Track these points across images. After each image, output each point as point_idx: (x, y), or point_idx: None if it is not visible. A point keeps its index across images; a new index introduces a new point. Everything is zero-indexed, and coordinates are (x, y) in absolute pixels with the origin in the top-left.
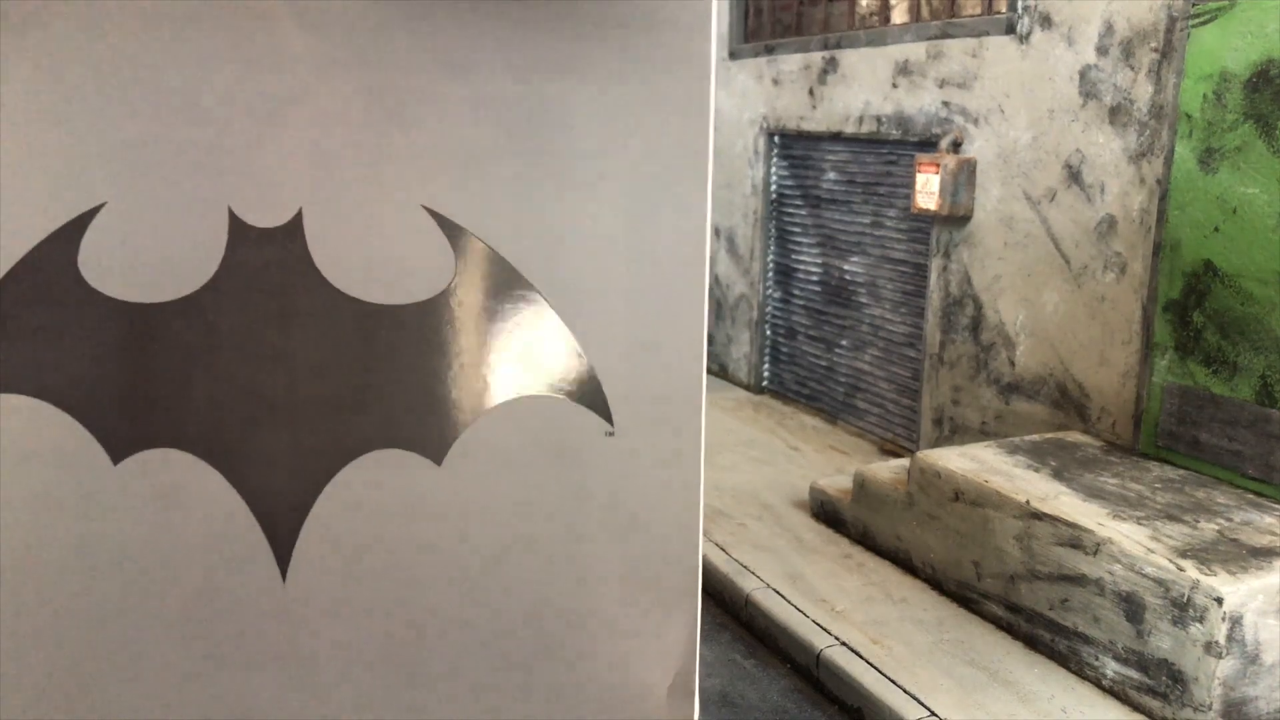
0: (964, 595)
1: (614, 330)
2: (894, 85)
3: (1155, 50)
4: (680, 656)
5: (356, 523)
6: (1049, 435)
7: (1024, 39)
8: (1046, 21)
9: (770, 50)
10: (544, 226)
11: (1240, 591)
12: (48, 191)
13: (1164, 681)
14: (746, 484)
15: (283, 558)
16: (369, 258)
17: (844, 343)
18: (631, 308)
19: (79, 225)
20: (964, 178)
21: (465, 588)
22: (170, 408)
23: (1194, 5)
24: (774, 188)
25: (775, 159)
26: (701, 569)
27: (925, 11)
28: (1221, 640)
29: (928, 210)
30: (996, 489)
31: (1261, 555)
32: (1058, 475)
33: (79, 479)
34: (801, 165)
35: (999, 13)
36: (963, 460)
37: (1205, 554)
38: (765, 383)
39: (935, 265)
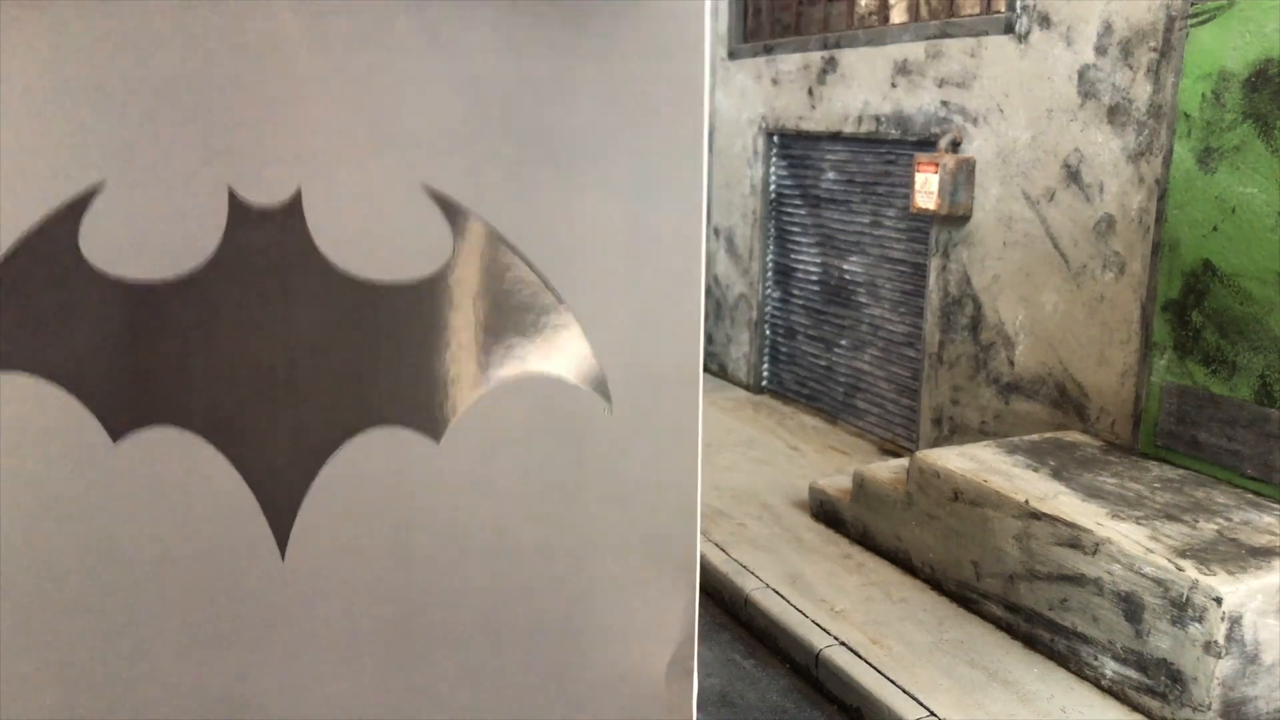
0: (963, 595)
1: (612, 309)
2: (893, 85)
3: (1154, 50)
4: (678, 634)
5: (355, 501)
6: (1048, 435)
7: (1023, 38)
8: (1045, 21)
9: (769, 50)
10: (541, 205)
11: (1239, 591)
12: (49, 171)
13: (1163, 681)
14: (746, 484)
15: (281, 536)
16: (368, 236)
17: (843, 342)
18: (629, 287)
19: (80, 204)
20: (963, 177)
21: (464, 565)
22: (170, 386)
23: (1193, 5)
24: (773, 187)
25: (774, 159)
26: (700, 562)
27: (924, 11)
28: (1220, 640)
29: (927, 210)
30: (996, 489)
31: (1261, 555)
32: (1057, 475)
33: (78, 457)
34: (800, 165)
35: (998, 12)
36: (962, 460)
37: (1204, 554)
38: (765, 383)
39: (934, 265)
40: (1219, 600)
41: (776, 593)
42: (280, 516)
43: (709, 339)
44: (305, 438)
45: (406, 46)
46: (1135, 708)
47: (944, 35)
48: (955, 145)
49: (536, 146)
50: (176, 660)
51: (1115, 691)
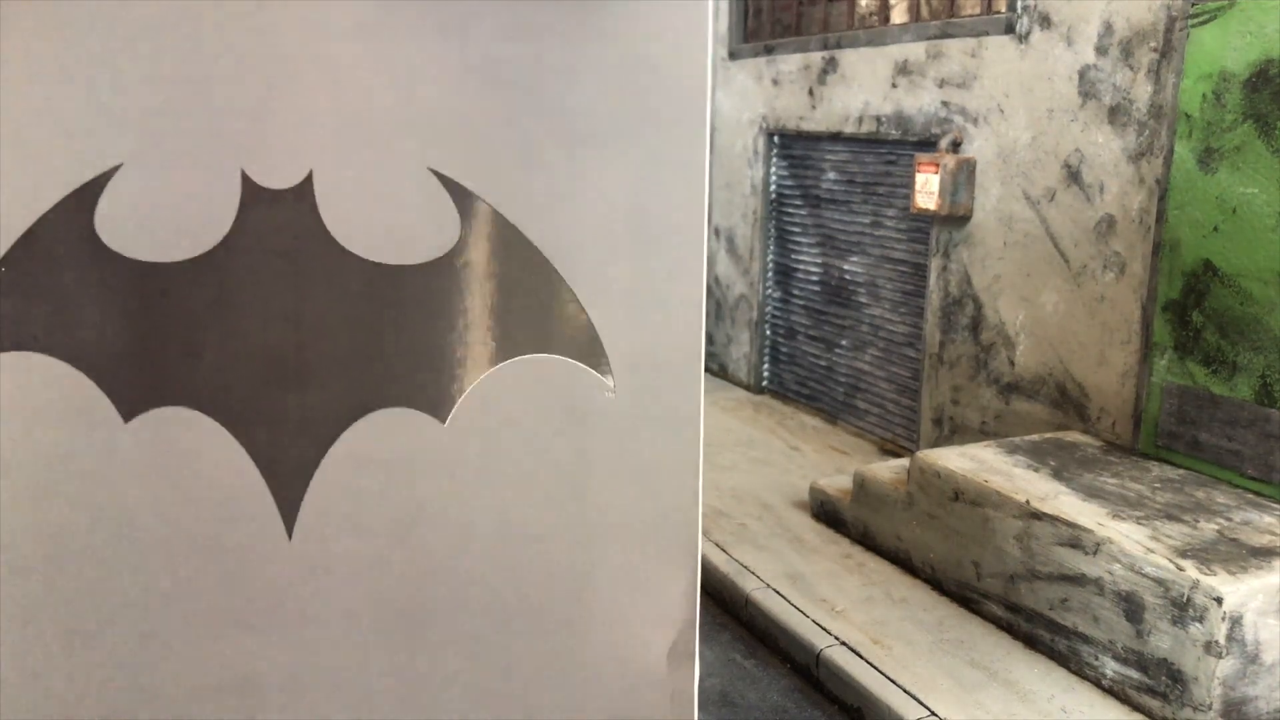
0: (964, 595)
1: (615, 291)
2: (893, 85)
3: (1154, 50)
4: (680, 618)
5: (361, 481)
6: (1048, 435)
7: (1023, 39)
8: (1046, 21)
9: (770, 50)
10: (547, 189)
11: (1240, 591)
12: (65, 153)
13: (1164, 681)
14: (746, 484)
15: (289, 516)
16: (377, 219)
17: (844, 343)
18: (632, 269)
19: (96, 186)
20: (963, 177)
21: (468, 546)
22: (181, 366)
23: (1193, 5)
24: (773, 188)
25: (775, 159)
26: (701, 562)
27: (925, 11)
28: (1221, 640)
29: (927, 210)
30: (996, 489)
31: (1261, 555)
32: (1057, 475)
33: (90, 436)
34: (801, 165)
35: (998, 12)
36: (962, 460)
37: (1205, 554)
38: (765, 383)
39: (935, 265)
40: (1219, 600)
41: (777, 592)
42: (288, 497)
43: (709, 339)
44: (313, 419)
45: (416, 31)
46: (1136, 708)
47: (944, 35)
48: (956, 145)
49: (543, 130)
50: (184, 637)
51: (1116, 691)
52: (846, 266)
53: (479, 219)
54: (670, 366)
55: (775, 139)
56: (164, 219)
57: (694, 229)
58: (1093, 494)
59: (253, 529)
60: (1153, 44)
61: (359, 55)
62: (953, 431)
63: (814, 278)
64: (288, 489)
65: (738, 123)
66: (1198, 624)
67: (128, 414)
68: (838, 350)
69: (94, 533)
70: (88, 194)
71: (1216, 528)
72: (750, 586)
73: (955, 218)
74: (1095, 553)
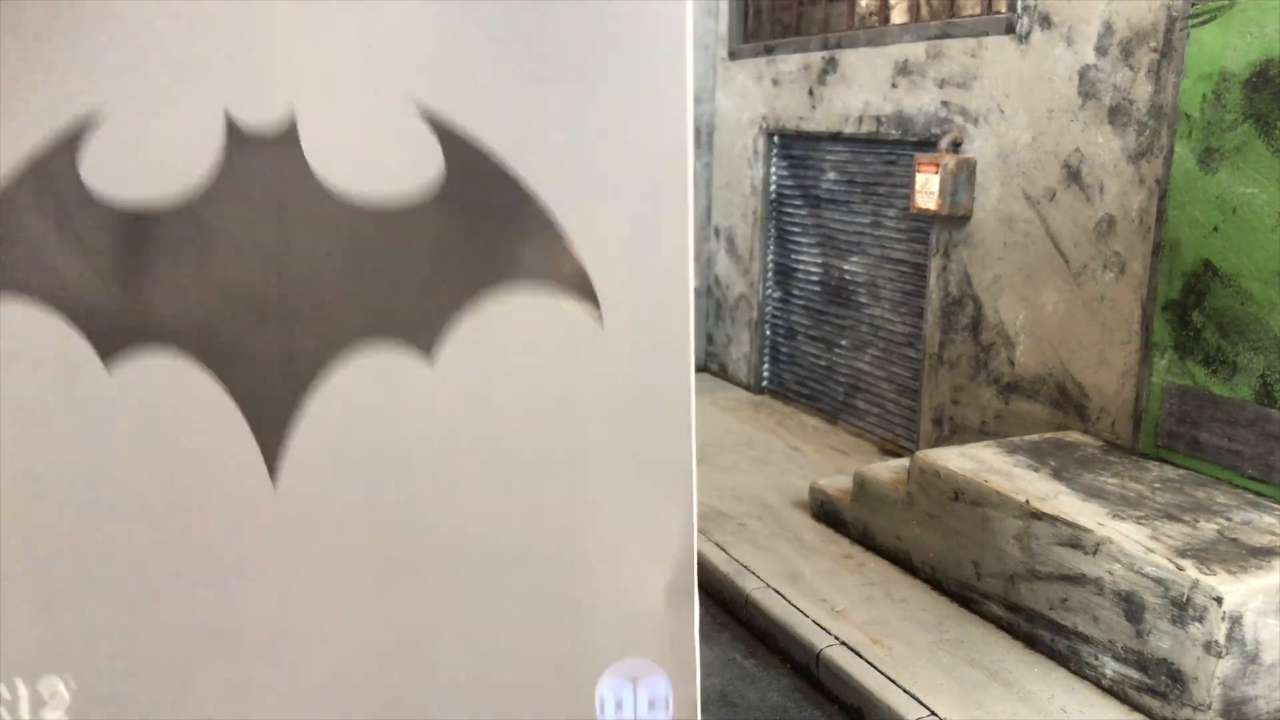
0: (964, 595)
1: (602, 224)
2: (893, 85)
3: (1154, 50)
4: (677, 555)
5: (346, 424)
6: (1048, 435)
7: (1023, 39)
8: (1046, 21)
9: (770, 50)
10: (532, 123)
11: (1240, 591)
12: (49, 97)
13: (1163, 681)
14: (746, 484)
15: (272, 460)
16: (361, 157)
17: (844, 343)
18: (618, 201)
19: (79, 130)
20: (963, 177)
21: (456, 487)
22: (163, 309)
23: (1193, 5)
24: (773, 188)
25: (775, 159)
26: (700, 561)
27: (925, 11)
28: (1221, 640)
29: (927, 210)
30: (996, 489)
31: (1261, 555)
32: (1057, 475)
33: (72, 381)
34: (801, 165)
35: (998, 13)
36: (962, 460)
37: (1205, 553)
38: (765, 383)
39: (935, 265)
40: (1219, 600)
41: (777, 592)
42: (271, 440)
43: (709, 339)
44: (296, 359)
45: None
46: (1136, 707)
47: (944, 36)
48: (956, 145)
49: (526, 64)
50: (165, 583)
51: (1116, 691)
52: (846, 266)
53: (463, 155)
54: (659, 298)
55: (775, 139)
56: (147, 162)
57: (678, 159)
58: (1093, 494)
59: (236, 475)
60: (1153, 44)
61: None
62: (953, 431)
63: (814, 278)
64: (271, 432)
65: (738, 123)
66: (1197, 624)
67: (109, 358)
68: (838, 350)
69: (75, 477)
70: (70, 138)
71: (1216, 528)
72: (750, 586)
73: (955, 218)
74: (1095, 552)
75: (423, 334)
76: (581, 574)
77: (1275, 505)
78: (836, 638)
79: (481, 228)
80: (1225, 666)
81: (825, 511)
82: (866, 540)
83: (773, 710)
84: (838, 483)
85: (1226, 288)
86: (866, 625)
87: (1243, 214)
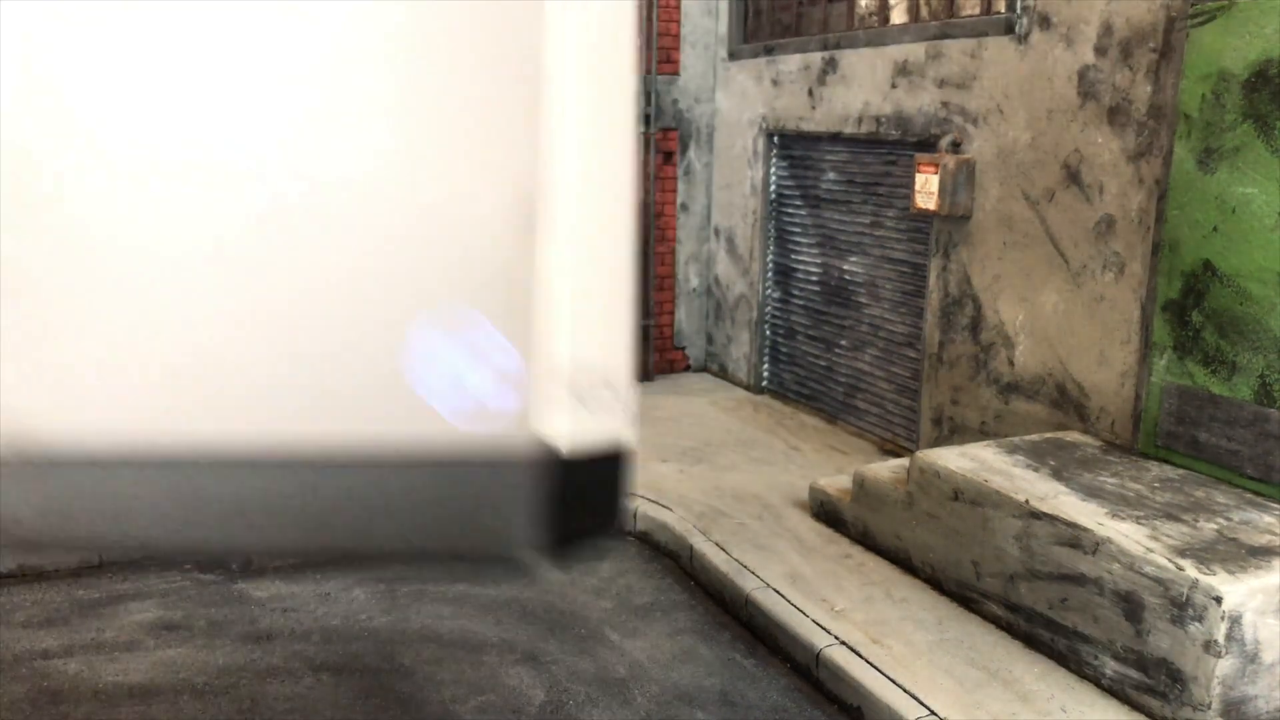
0: (963, 594)
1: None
2: (893, 85)
3: (1154, 50)
4: (520, 173)
5: None
6: (1048, 435)
7: (1023, 39)
8: (1045, 22)
9: (769, 51)
10: None
11: (1239, 591)
12: None
13: (1163, 680)
14: (746, 484)
15: None
16: None
17: (843, 343)
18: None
19: None
20: (963, 178)
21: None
22: None
23: (1193, 5)
24: (773, 188)
25: (775, 159)
26: (700, 561)
27: (924, 12)
28: (1220, 639)
29: (927, 210)
30: (996, 488)
31: (1260, 554)
32: (1057, 475)
33: None
34: (801, 165)
35: (998, 13)
36: (962, 460)
37: (1204, 553)
38: (765, 383)
39: (934, 265)
40: (1219, 599)
41: (777, 592)
42: None
43: (709, 339)
44: None
45: None
46: (1135, 707)
47: (944, 36)
48: (955, 146)
49: None
50: None
51: (1115, 691)
52: (846, 267)
53: None
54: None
55: (775, 139)
56: None
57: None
58: (1092, 494)
59: None
60: (1152, 44)
61: None
62: (952, 431)
63: (814, 278)
64: None
65: (737, 123)
66: (1197, 623)
67: None
68: (837, 350)
69: None
70: None
71: (1216, 527)
72: (750, 586)
73: (955, 218)
74: (1094, 552)
75: None
76: (420, 206)
77: (1274, 505)
78: (836, 637)
79: None
80: (1225, 666)
81: (825, 511)
82: (866, 540)
83: (772, 709)
84: (837, 482)
85: (1226, 288)
86: (866, 625)
87: (1242, 214)
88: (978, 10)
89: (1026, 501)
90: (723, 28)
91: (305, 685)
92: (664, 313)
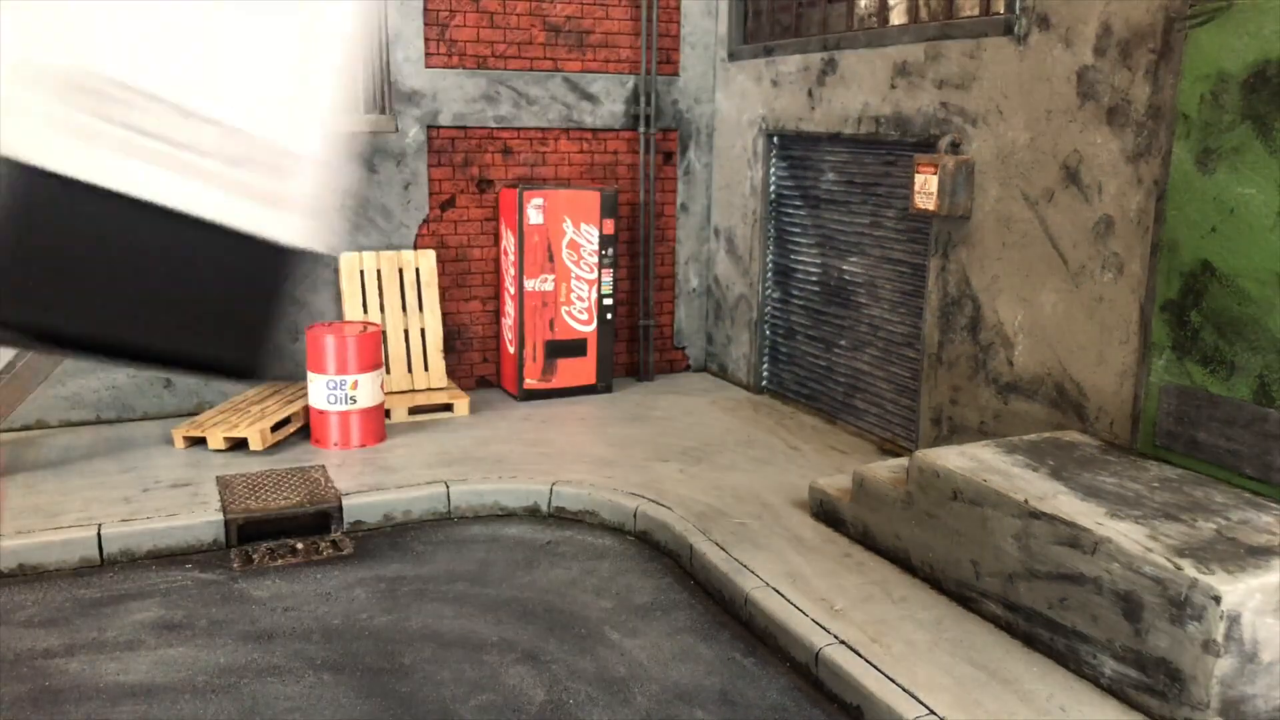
0: (963, 594)
1: None
2: (892, 86)
3: (1153, 51)
4: None
5: None
6: (1047, 435)
7: (1022, 40)
8: (1044, 23)
9: (769, 51)
10: None
11: (1238, 590)
12: None
13: (1162, 680)
14: (746, 483)
15: None
16: None
17: (843, 343)
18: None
19: None
20: (962, 178)
21: None
22: None
23: (1191, 6)
24: (773, 188)
25: (774, 160)
26: (700, 560)
27: (923, 13)
28: (1219, 639)
29: (926, 210)
30: (995, 488)
31: (1259, 554)
32: (1056, 474)
33: None
34: (800, 166)
35: (997, 14)
36: (961, 459)
37: (1203, 553)
38: (764, 383)
39: (934, 265)
40: (1217, 599)
41: (777, 591)
42: None
43: (709, 339)
44: None
45: None
46: (1134, 706)
47: (943, 37)
48: (954, 146)
49: None
50: None
51: (1114, 690)
52: (846, 267)
53: None
54: None
55: (775, 140)
56: None
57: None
58: (1091, 493)
59: None
60: (1151, 45)
61: None
62: (951, 431)
63: (813, 278)
64: None
65: (737, 124)
66: (1196, 623)
67: None
68: (837, 350)
69: None
70: None
71: (1215, 527)
72: (750, 585)
73: (954, 218)
74: (1094, 552)
75: None
76: None
77: (1273, 504)
78: (836, 636)
79: None
80: (1223, 665)
81: (825, 511)
82: (866, 539)
83: (772, 709)
84: (837, 482)
85: (1224, 288)
86: (866, 624)
87: (1241, 214)
88: (977, 11)
89: (1025, 501)
90: (722, 28)
91: (306, 684)
92: (664, 313)
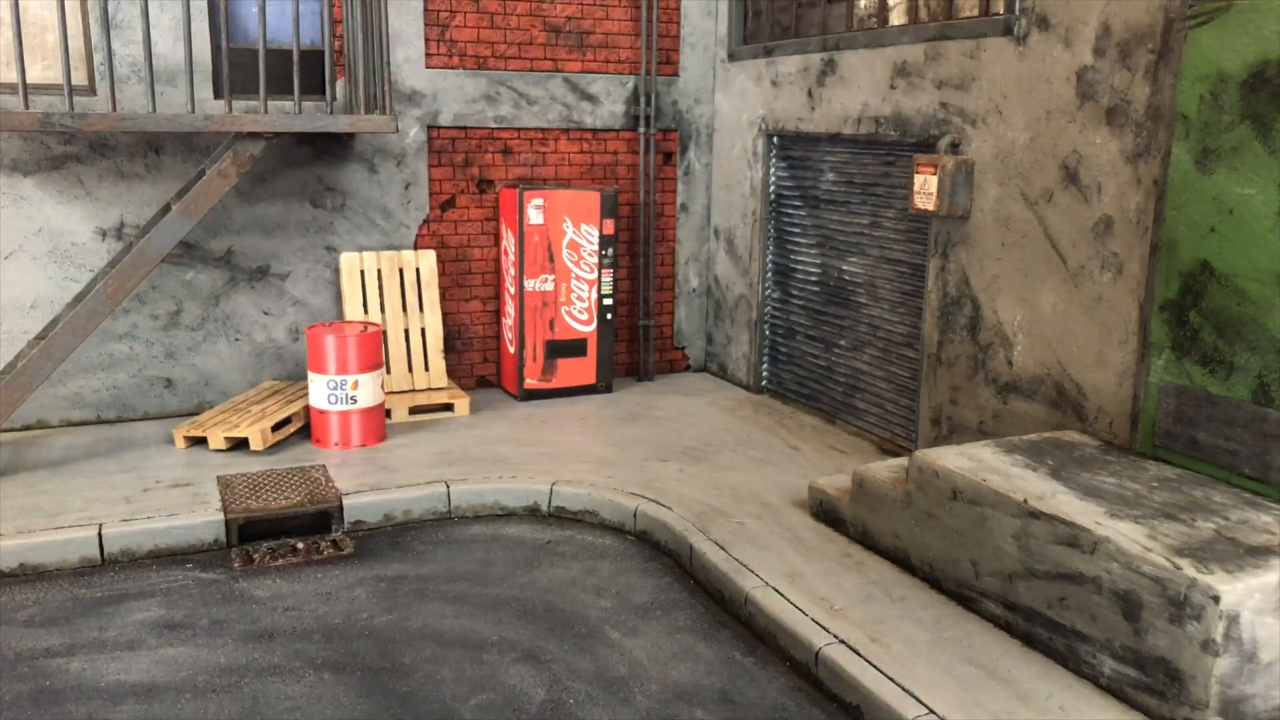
0: (962, 594)
1: None
2: (892, 86)
3: (1152, 51)
4: None
5: None
6: (1046, 435)
7: (1021, 40)
8: (1044, 23)
9: (769, 52)
10: None
11: (1237, 590)
12: None
13: (1161, 680)
14: (746, 483)
15: None
16: None
17: (842, 343)
18: None
19: None
20: (961, 178)
21: None
22: None
23: (1191, 7)
24: (773, 188)
25: (774, 160)
26: (700, 560)
27: (923, 13)
28: (1218, 638)
29: (926, 211)
30: (994, 488)
31: (1258, 554)
32: (1055, 474)
33: None
34: (800, 166)
35: (996, 14)
36: (961, 459)
37: (1202, 552)
38: (764, 382)
39: (933, 265)
40: (1217, 599)
41: (776, 591)
42: None
43: (709, 339)
44: None
45: None
46: (1133, 706)
47: (943, 37)
48: (954, 146)
49: None
50: None
51: (1113, 690)
52: (845, 267)
53: None
54: None
55: (774, 140)
56: None
57: None
58: (1090, 493)
59: None
60: (1150, 45)
61: None
62: (951, 431)
63: (813, 278)
64: None
65: (737, 124)
66: (1195, 622)
67: None
68: (837, 350)
69: None
70: None
71: (1214, 527)
72: (749, 585)
73: (953, 218)
74: (1093, 552)
75: None
76: None
77: (1272, 504)
78: (835, 636)
79: None
80: (1223, 665)
81: (824, 510)
82: (865, 539)
83: (772, 708)
84: (837, 482)
85: (1223, 288)
86: (865, 624)
87: (1240, 214)
88: (976, 11)
89: (1025, 501)
90: (722, 29)
91: (307, 684)
92: (664, 313)
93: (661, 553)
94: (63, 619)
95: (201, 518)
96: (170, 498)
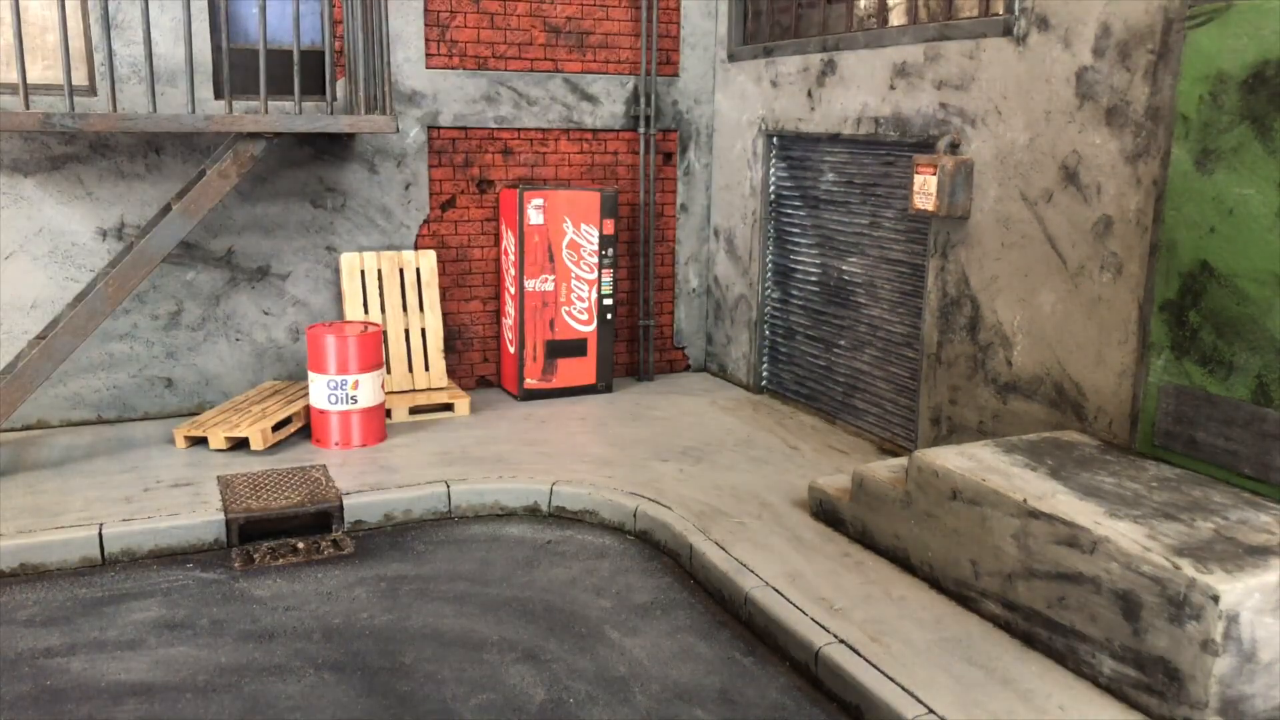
0: (962, 593)
1: None
2: (892, 87)
3: (1152, 52)
4: None
5: None
6: (1046, 434)
7: (1021, 41)
8: (1043, 23)
9: (769, 52)
10: None
11: (1237, 590)
12: None
13: (1161, 679)
14: (746, 483)
15: None
16: None
17: (842, 343)
18: None
19: None
20: (961, 178)
21: None
22: None
23: (1190, 7)
24: (772, 189)
25: (774, 160)
26: (700, 560)
27: (923, 13)
28: (1218, 638)
29: (925, 211)
30: (994, 488)
31: (1258, 553)
32: (1055, 474)
33: None
34: (800, 166)
35: (996, 14)
36: (960, 459)
37: (1202, 552)
38: (764, 382)
39: (933, 265)
40: (1216, 599)
41: (776, 591)
42: None
43: (709, 339)
44: None
45: None
46: (1133, 705)
47: (942, 37)
48: (954, 147)
49: None
50: None
51: (1113, 689)
52: (845, 267)
53: None
54: None
55: (774, 140)
56: None
57: None
58: (1090, 493)
59: None
60: (1150, 46)
61: None
62: (951, 431)
63: (813, 278)
64: None
65: (737, 124)
66: (1194, 622)
67: None
68: (836, 350)
69: None
70: None
71: (1213, 526)
72: (749, 585)
73: (953, 218)
74: (1092, 551)
75: None
76: None
77: (1272, 504)
78: (835, 636)
79: None
80: (1222, 665)
81: (824, 510)
82: (865, 539)
83: (772, 708)
84: (836, 482)
85: (1223, 288)
86: (865, 623)
87: (1239, 215)
88: (976, 12)
89: (1024, 501)
90: (722, 29)
91: (307, 684)
92: (664, 313)
93: (661, 553)
94: (63, 619)
95: (202, 517)
96: (171, 497)
